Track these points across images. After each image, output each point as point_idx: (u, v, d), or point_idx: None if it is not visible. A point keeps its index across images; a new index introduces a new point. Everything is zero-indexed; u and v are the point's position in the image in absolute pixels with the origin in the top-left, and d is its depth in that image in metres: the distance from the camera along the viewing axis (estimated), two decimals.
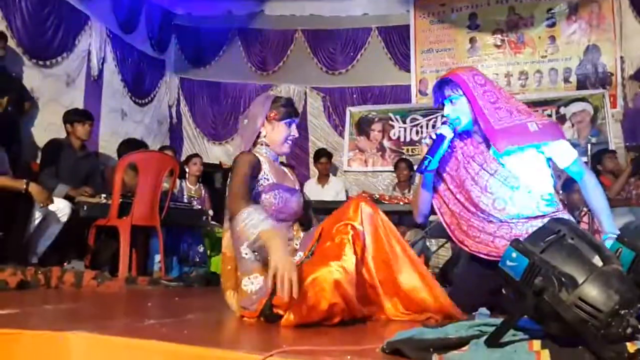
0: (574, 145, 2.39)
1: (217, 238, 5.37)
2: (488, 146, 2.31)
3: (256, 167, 2.11)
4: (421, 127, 6.89)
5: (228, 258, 2.15)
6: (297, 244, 2.13)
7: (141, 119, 6.61)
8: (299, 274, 1.78)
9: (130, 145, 4.86)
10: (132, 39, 6.38)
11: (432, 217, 4.88)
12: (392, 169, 6.49)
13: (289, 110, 2.22)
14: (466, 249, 2.31)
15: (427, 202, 2.42)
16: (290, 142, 2.24)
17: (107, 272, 3.88)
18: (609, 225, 2.20)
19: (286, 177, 2.25)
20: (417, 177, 2.45)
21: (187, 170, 5.58)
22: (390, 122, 7.03)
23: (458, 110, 2.31)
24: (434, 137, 2.27)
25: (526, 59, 6.81)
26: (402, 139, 7.00)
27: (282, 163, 2.33)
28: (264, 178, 2.13)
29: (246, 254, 2.04)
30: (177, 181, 5.14)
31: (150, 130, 6.75)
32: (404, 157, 6.63)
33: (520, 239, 1.31)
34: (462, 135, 2.38)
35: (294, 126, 2.23)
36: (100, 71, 5.82)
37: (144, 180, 4.22)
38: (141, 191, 4.20)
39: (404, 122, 6.98)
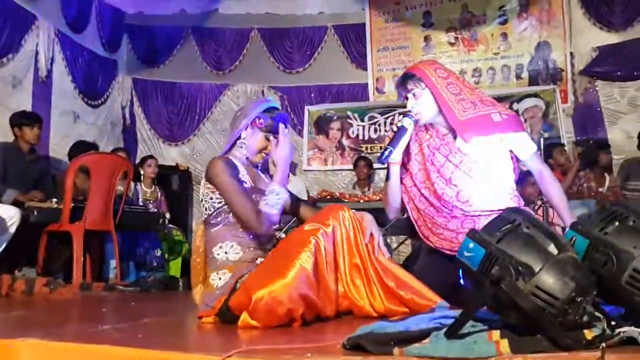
0: None
1: (175, 241, 5.33)
2: (454, 137, 2.33)
3: (233, 169, 2.08)
4: (379, 125, 6.94)
5: (200, 253, 2.13)
6: (269, 249, 2.10)
7: (94, 121, 6.44)
8: (254, 277, 1.82)
9: (81, 148, 4.76)
10: (82, 39, 6.20)
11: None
12: (352, 167, 6.53)
13: (275, 126, 2.16)
14: (430, 244, 2.34)
15: (397, 195, 2.43)
16: (265, 155, 2.20)
17: (61, 279, 3.78)
18: (568, 218, 2.27)
19: (262, 181, 2.22)
20: (384, 174, 2.47)
21: (142, 172, 5.49)
22: (349, 120, 7.06)
23: (422, 103, 2.32)
24: (395, 129, 2.30)
25: (479, 56, 6.93)
26: (360, 137, 7.04)
27: (255, 167, 2.29)
28: (241, 182, 2.10)
29: (217, 254, 2.05)
30: (132, 184, 5.05)
31: (103, 133, 6.59)
32: (363, 155, 6.66)
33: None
34: (428, 127, 2.41)
35: (273, 142, 2.16)
36: (49, 72, 5.63)
37: (97, 184, 4.15)
38: (94, 195, 4.11)
39: (362, 121, 7.02)
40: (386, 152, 2.25)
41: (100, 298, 3.30)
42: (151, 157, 5.82)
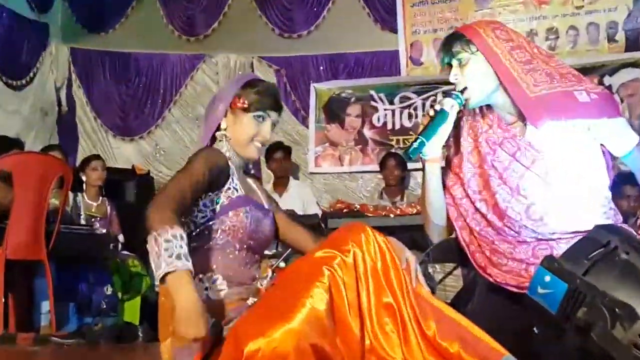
0: None
1: (132, 274, 5.33)
2: (524, 126, 2.33)
3: (222, 173, 2.10)
4: (415, 108, 6.93)
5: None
6: (262, 285, 2.12)
7: (17, 108, 6.46)
8: (247, 323, 1.82)
9: None
10: None
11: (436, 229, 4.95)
12: (377, 169, 6.52)
13: (264, 101, 2.19)
14: (489, 278, 2.33)
15: (439, 207, 2.45)
16: (259, 144, 2.21)
17: None
18: None
19: (253, 190, 2.26)
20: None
21: (84, 179, 5.49)
22: (373, 103, 7.06)
23: (471, 74, 2.32)
24: (431, 113, 2.29)
25: (555, 11, 6.88)
26: (389, 127, 7.05)
27: (245, 172, 2.31)
28: (233, 188, 2.12)
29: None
30: (71, 195, 5.05)
31: (30, 124, 6.61)
32: (393, 151, 6.63)
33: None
34: (486, 113, 2.41)
35: (267, 124, 2.19)
36: None
37: (22, 195, 4.15)
38: (18, 211, 4.12)
39: (392, 103, 7.03)
40: (415, 144, 2.24)
41: (28, 355, 3.31)
42: (97, 157, 5.82)
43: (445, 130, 2.30)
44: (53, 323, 4.26)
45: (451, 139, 2.44)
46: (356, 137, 7.13)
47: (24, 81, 6.60)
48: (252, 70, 7.20)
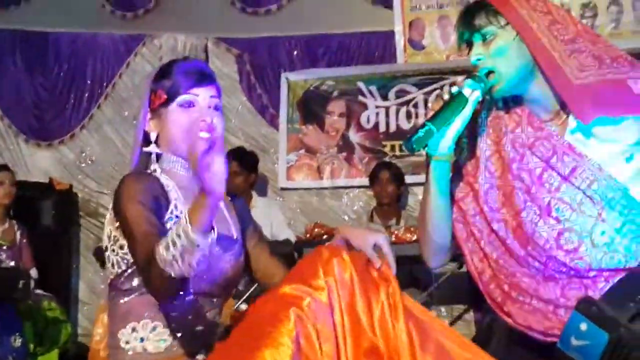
0: None
1: (48, 320, 5.31)
2: (564, 123, 2.33)
3: (159, 196, 2.14)
4: (416, 105, 6.98)
5: (103, 345, 2.17)
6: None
7: None
8: None
9: None
10: None
11: (445, 267, 4.94)
12: (367, 183, 6.59)
13: (184, 80, 2.21)
14: (507, 319, 2.32)
15: (443, 220, 2.44)
16: (206, 133, 2.13)
17: None
18: None
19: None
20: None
21: None
22: (361, 98, 7.12)
23: (498, 53, 2.30)
24: (446, 97, 2.26)
25: None
26: (382, 129, 7.10)
27: None
28: (175, 217, 2.15)
29: (127, 342, 2.08)
30: None
31: None
32: (386, 160, 6.73)
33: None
34: (512, 107, 2.41)
35: (202, 105, 2.22)
36: None
37: None
38: None
39: (385, 99, 7.10)
40: (422, 132, 2.20)
41: None
42: (3, 168, 5.80)
43: (461, 121, 2.27)
44: None
45: (464, 137, 2.43)
46: (340, 142, 7.17)
47: None
48: (207, 55, 7.24)
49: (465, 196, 2.44)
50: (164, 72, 2.25)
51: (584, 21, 6.79)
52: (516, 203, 2.32)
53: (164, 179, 2.18)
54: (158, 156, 2.25)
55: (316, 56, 7.31)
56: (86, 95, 7.32)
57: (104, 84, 7.32)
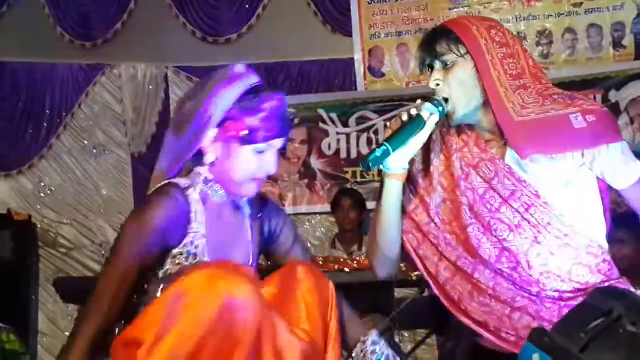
0: (637, 155, 2.43)
1: (7, 353, 5.14)
2: (504, 147, 2.40)
3: (177, 220, 2.15)
4: (376, 132, 6.98)
5: None
6: None
7: None
8: None
9: None
10: None
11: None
12: (329, 210, 6.60)
13: (270, 128, 2.18)
14: (466, 320, 2.39)
15: (394, 236, 2.50)
16: (258, 180, 2.25)
17: None
18: None
19: (240, 236, 2.34)
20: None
21: None
22: (322, 125, 7.12)
23: (456, 82, 2.34)
24: (404, 118, 2.30)
25: (548, 9, 7.01)
26: (343, 155, 7.11)
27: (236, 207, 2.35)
28: (190, 243, 2.18)
29: None
30: None
31: None
32: (348, 187, 6.76)
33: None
34: (462, 128, 2.46)
35: (271, 155, 2.23)
36: None
37: None
38: None
39: (346, 125, 7.10)
40: (379, 152, 2.24)
41: None
42: None
43: (417, 142, 2.33)
44: None
45: (419, 153, 2.48)
46: (301, 169, 7.17)
47: None
48: (166, 84, 7.24)
49: (416, 208, 2.52)
50: (252, 103, 2.17)
51: (540, 48, 7.02)
52: (463, 218, 2.42)
53: (194, 203, 2.19)
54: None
55: (277, 84, 7.18)
56: (45, 125, 7.24)
57: (63, 114, 7.25)
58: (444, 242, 2.48)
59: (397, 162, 2.33)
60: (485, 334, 2.33)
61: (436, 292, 2.47)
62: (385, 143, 2.25)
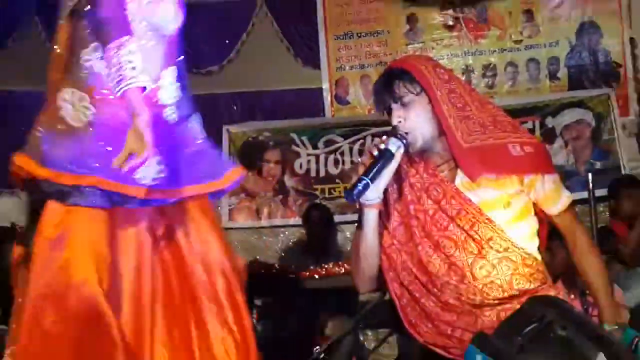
0: (569, 174, 2.57)
1: None
2: (453, 171, 2.45)
3: None
4: (342, 153, 7.10)
5: None
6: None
7: None
8: None
9: None
10: None
11: (366, 296, 4.95)
12: (301, 222, 6.62)
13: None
14: (418, 338, 2.42)
15: (373, 256, 2.52)
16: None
17: None
18: (607, 308, 2.35)
19: None
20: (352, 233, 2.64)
21: None
22: (294, 147, 7.19)
23: (415, 116, 2.41)
24: (375, 153, 2.34)
25: (492, 45, 7.20)
26: (313, 174, 7.17)
27: None
28: None
29: None
30: None
31: None
32: (317, 202, 6.78)
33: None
34: (413, 157, 2.49)
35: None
36: None
37: None
38: None
39: (315, 147, 7.18)
40: (360, 186, 2.28)
41: None
42: None
43: (389, 173, 2.36)
44: None
45: None
46: (276, 186, 7.19)
47: None
48: None
49: (382, 231, 2.51)
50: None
51: (486, 80, 7.17)
52: (415, 239, 2.44)
53: None
54: None
55: (253, 111, 7.39)
56: None
57: None
58: (400, 266, 2.48)
59: (374, 193, 2.35)
60: (437, 350, 2.34)
61: (400, 312, 2.49)
62: (364, 177, 2.28)
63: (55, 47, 2.42)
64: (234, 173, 2.48)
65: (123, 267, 2.25)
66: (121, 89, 2.19)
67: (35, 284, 2.19)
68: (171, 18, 2.47)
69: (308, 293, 5.01)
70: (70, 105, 2.28)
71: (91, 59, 2.39)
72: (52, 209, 2.24)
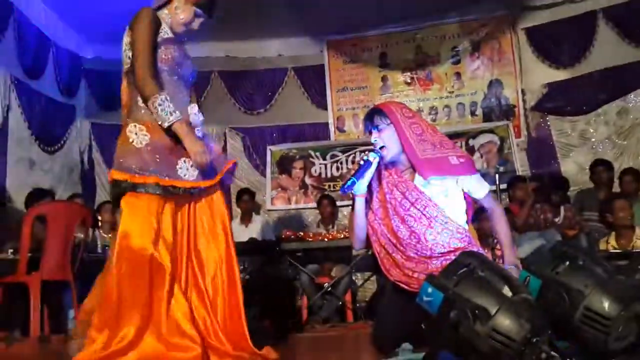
0: (484, 175, 2.60)
1: None
2: (412, 175, 2.44)
3: (157, 22, 2.23)
4: (341, 162, 7.02)
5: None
6: (195, 116, 2.32)
7: (50, 167, 6.23)
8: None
9: (36, 196, 4.64)
10: (40, 84, 6.07)
11: (358, 251, 4.92)
12: (316, 206, 6.47)
13: (208, 3, 2.27)
14: (390, 277, 2.42)
15: (362, 227, 2.52)
16: (187, 27, 2.30)
17: (19, 332, 3.63)
18: (510, 256, 2.40)
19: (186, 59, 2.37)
20: (348, 212, 2.60)
21: (100, 218, 5.33)
22: (311, 159, 7.12)
23: (385, 137, 2.43)
24: (361, 162, 2.38)
25: (435, 94, 7.12)
26: (323, 176, 7.08)
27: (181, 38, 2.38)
28: (164, 31, 2.25)
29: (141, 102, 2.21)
30: (91, 230, 4.91)
31: (60, 179, 6.37)
32: (326, 193, 6.71)
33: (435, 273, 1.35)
34: (389, 166, 2.50)
35: (197, 22, 2.29)
36: (5, 119, 5.49)
37: (53, 232, 4.02)
38: (50, 244, 4.00)
39: (324, 159, 7.09)
40: (349, 182, 2.34)
41: (60, 353, 3.17)
42: (109, 202, 5.63)
43: (369, 174, 2.39)
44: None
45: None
46: (300, 183, 7.11)
47: (56, 147, 6.39)
48: (225, 138, 7.18)
49: (367, 211, 2.53)
50: None
51: (431, 116, 7.10)
52: (389, 215, 2.44)
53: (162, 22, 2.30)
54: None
55: (286, 137, 7.32)
56: None
57: None
58: (380, 232, 2.48)
59: (361, 187, 2.40)
60: (402, 286, 2.36)
61: (379, 262, 2.49)
62: (353, 177, 2.35)
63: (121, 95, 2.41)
64: (228, 164, 2.39)
65: (165, 231, 2.20)
66: (171, 121, 2.15)
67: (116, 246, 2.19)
68: (191, 72, 2.41)
69: (320, 250, 4.98)
70: (135, 134, 2.21)
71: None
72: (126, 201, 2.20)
